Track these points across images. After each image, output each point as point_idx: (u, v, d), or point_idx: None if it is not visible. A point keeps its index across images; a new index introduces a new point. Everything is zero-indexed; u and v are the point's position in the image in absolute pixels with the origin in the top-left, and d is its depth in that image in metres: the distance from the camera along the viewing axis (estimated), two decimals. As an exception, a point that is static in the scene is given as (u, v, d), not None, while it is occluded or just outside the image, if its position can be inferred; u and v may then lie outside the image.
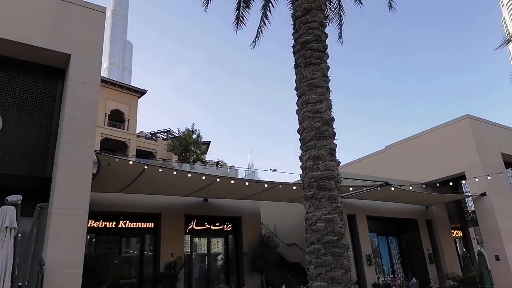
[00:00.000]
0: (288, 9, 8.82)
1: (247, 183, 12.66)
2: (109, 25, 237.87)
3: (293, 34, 7.84)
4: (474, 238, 21.81)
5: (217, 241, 16.42)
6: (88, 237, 12.79)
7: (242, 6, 10.97)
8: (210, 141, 37.87)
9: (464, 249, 18.94)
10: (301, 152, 7.17)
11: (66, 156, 8.51)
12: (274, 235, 16.90)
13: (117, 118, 31.57)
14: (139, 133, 34.51)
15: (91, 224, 12.52)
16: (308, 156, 6.88)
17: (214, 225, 15.76)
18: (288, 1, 9.05)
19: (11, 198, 4.94)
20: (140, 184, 11.67)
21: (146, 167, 10.64)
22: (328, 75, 7.48)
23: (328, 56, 7.56)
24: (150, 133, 37.91)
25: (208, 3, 10.67)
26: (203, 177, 11.63)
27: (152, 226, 14.28)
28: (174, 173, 11.43)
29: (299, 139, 7.24)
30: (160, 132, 38.48)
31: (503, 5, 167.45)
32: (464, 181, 18.91)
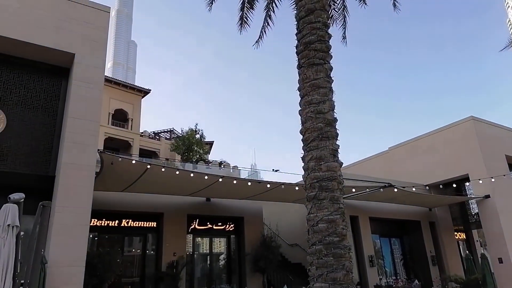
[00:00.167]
0: (292, 9, 8.81)
1: (249, 183, 12.66)
2: (113, 24, 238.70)
3: (296, 34, 7.84)
4: (477, 241, 21.69)
5: (219, 241, 16.42)
6: (91, 236, 12.84)
7: (246, 7, 10.98)
8: (213, 141, 37.92)
9: (467, 252, 18.84)
10: (303, 152, 7.17)
11: (70, 155, 8.54)
12: (276, 235, 16.88)
13: (120, 118, 31.67)
14: (142, 133, 34.59)
15: (94, 223, 12.56)
16: (311, 156, 6.87)
17: (216, 225, 15.77)
18: (292, 1, 9.05)
19: (14, 196, 4.97)
20: (143, 183, 11.70)
21: (149, 166, 10.67)
22: (332, 75, 7.48)
23: (331, 57, 7.55)
24: (154, 132, 37.99)
25: (212, 3, 10.68)
26: (206, 177, 11.64)
27: (155, 226, 14.31)
28: (177, 172, 11.44)
29: (302, 140, 7.24)
30: (163, 132, 38.55)
31: (509, 6, 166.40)
32: (467, 183, 18.82)
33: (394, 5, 10.94)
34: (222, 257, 16.32)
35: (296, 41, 7.80)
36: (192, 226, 15.07)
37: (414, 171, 19.87)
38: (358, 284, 15.64)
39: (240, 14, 11.10)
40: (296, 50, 7.76)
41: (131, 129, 31.76)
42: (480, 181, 16.49)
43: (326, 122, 6.97)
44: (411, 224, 19.39)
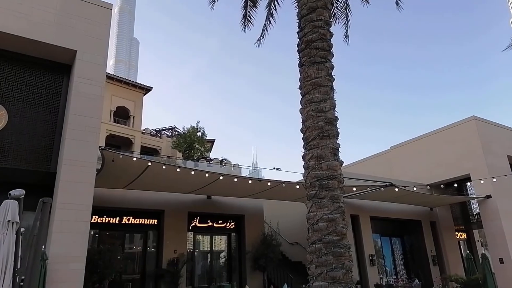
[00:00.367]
0: (294, 7, 8.79)
1: (250, 182, 12.67)
2: (116, 22, 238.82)
3: (298, 32, 7.82)
4: (478, 241, 21.69)
5: (220, 239, 16.45)
6: (92, 233, 12.88)
7: (249, 5, 10.94)
8: (214, 139, 37.96)
9: (468, 252, 18.79)
10: (304, 151, 7.16)
11: (71, 152, 8.56)
12: (277, 233, 16.90)
13: (122, 115, 31.70)
14: (144, 130, 34.62)
15: (94, 220, 12.59)
16: (311, 155, 6.86)
17: (217, 223, 15.79)
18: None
19: (14, 192, 4.98)
20: (144, 180, 11.72)
21: (150, 163, 10.67)
22: (333, 73, 7.46)
23: (333, 55, 7.53)
24: (155, 130, 38.03)
25: (214, 1, 10.65)
26: (207, 175, 11.65)
27: (155, 223, 14.34)
28: (178, 170, 11.44)
29: (302, 138, 7.23)
30: (165, 129, 38.59)
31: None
32: (469, 183, 18.78)
33: (397, 3, 10.90)
34: (222, 255, 16.35)
35: (298, 39, 7.78)
36: (193, 224, 15.10)
37: (415, 170, 19.84)
38: (359, 283, 15.65)
39: (243, 12, 11.06)
40: (297, 49, 7.74)
41: (132, 127, 31.80)
42: (482, 181, 16.45)
43: (327, 120, 6.95)
44: (412, 223, 19.37)
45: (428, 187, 17.28)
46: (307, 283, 6.66)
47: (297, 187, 12.78)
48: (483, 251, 19.59)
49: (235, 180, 12.43)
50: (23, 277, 5.19)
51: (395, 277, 18.17)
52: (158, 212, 14.25)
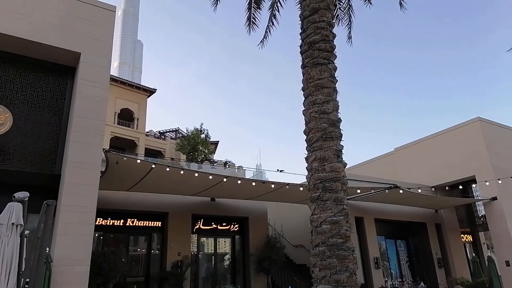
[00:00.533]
0: (297, 9, 8.78)
1: (254, 184, 12.65)
2: (120, 24, 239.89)
3: (300, 34, 7.80)
4: (484, 243, 21.48)
5: (224, 241, 16.43)
6: (96, 235, 12.91)
7: (253, 7, 10.95)
8: (218, 141, 37.95)
9: (473, 254, 18.62)
10: (307, 153, 7.13)
11: (75, 154, 8.59)
12: (281, 236, 16.85)
13: (126, 117, 31.79)
14: (148, 132, 34.70)
15: (99, 222, 12.62)
16: (314, 157, 6.83)
17: (221, 225, 15.78)
18: (296, 1, 9.02)
19: (18, 195, 5.00)
20: (148, 183, 11.74)
21: (153, 166, 10.70)
22: (336, 75, 7.43)
23: (335, 57, 7.51)
24: (159, 132, 38.10)
25: (217, 3, 10.67)
26: (210, 177, 11.65)
27: (160, 225, 14.34)
28: (182, 172, 11.46)
29: (305, 140, 7.20)
30: (169, 131, 38.64)
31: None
32: (474, 185, 18.65)
33: (401, 4, 10.86)
34: (226, 257, 16.33)
35: (300, 40, 7.77)
36: (197, 226, 15.09)
37: (420, 172, 19.73)
38: (363, 286, 15.55)
39: (248, 14, 11.05)
40: (300, 50, 7.72)
41: (136, 129, 31.88)
42: (487, 183, 16.33)
43: (330, 122, 6.92)
44: (417, 226, 19.25)
45: (433, 189, 17.20)
46: (311, 286, 6.61)
47: (301, 189, 12.74)
48: (489, 253, 19.41)
49: (239, 182, 12.42)
50: (27, 280, 5.21)
51: (400, 280, 18.05)
52: (162, 214, 14.26)
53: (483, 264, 17.16)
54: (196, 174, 11.61)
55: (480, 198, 17.89)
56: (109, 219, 13.34)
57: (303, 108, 7.43)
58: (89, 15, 9.83)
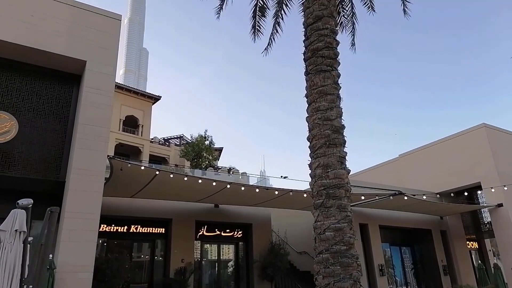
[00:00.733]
0: (300, 17, 8.83)
1: (257, 190, 12.64)
2: (125, 32, 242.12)
3: (304, 41, 7.84)
4: (490, 250, 21.27)
5: (227, 248, 16.39)
6: (100, 241, 12.93)
7: (257, 15, 11.02)
8: (222, 148, 38.04)
9: (479, 261, 18.46)
10: (310, 159, 7.13)
11: (80, 161, 8.63)
12: (285, 243, 16.78)
13: (131, 124, 31.98)
14: (152, 139, 34.84)
15: (103, 229, 12.65)
16: (318, 164, 6.83)
17: (225, 232, 15.75)
18: (300, 8, 9.08)
19: (22, 201, 5.02)
20: (152, 189, 11.77)
21: (157, 172, 10.73)
22: (340, 82, 7.45)
23: (339, 63, 7.53)
24: (164, 138, 38.25)
25: (220, 11, 10.76)
26: (214, 183, 11.66)
27: (163, 232, 14.34)
28: (185, 179, 11.49)
29: (309, 147, 7.20)
30: (173, 138, 38.78)
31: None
32: (480, 191, 18.51)
33: (404, 11, 10.89)
34: (230, 264, 16.27)
35: (304, 47, 7.81)
36: (200, 233, 15.07)
37: (424, 178, 19.62)
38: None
39: (252, 22, 11.12)
40: (303, 57, 7.76)
41: (141, 135, 32.04)
42: (493, 190, 16.21)
43: (334, 129, 6.92)
44: (422, 232, 19.11)
45: (438, 195, 17.09)
46: (315, 293, 6.57)
47: (305, 195, 12.72)
48: (495, 260, 19.22)
49: (242, 188, 12.42)
50: (31, 286, 5.23)
51: (405, 287, 17.89)
52: (166, 220, 14.27)
53: (489, 272, 16.96)
54: (200, 181, 11.63)
55: (485, 204, 17.75)
56: (113, 225, 13.36)
57: (307, 115, 7.44)
58: (95, 24, 9.93)
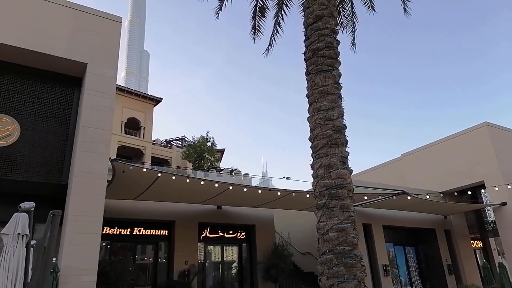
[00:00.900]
0: (301, 17, 8.82)
1: (260, 191, 12.62)
2: (126, 35, 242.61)
3: (304, 41, 7.82)
4: (494, 249, 21.14)
5: (231, 249, 16.36)
6: (103, 244, 12.93)
7: (257, 16, 11.03)
8: (224, 149, 37.99)
9: (484, 260, 18.36)
10: (312, 160, 7.10)
11: (82, 164, 8.64)
12: (288, 243, 16.74)
13: (133, 126, 32.02)
14: (154, 141, 34.88)
15: (106, 231, 12.64)
16: (320, 164, 6.80)
17: (228, 233, 15.73)
18: (300, 8, 9.06)
19: (24, 205, 5.02)
20: (154, 191, 11.76)
21: (159, 174, 10.72)
22: (340, 82, 7.42)
23: (340, 63, 7.50)
24: (165, 140, 38.27)
25: (219, 11, 10.76)
26: (216, 185, 11.65)
27: (166, 234, 14.34)
28: (187, 180, 11.48)
29: (311, 147, 7.17)
30: (175, 140, 38.80)
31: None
32: (483, 190, 18.42)
33: (405, 10, 10.86)
34: (234, 265, 16.25)
35: (304, 47, 7.78)
36: (204, 234, 15.05)
37: (427, 178, 19.54)
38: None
39: (252, 23, 11.13)
40: (304, 57, 7.74)
41: (143, 138, 32.07)
42: (496, 188, 16.14)
43: (335, 129, 6.89)
44: (426, 232, 19.03)
45: (441, 194, 17.01)
46: (319, 294, 6.53)
47: (307, 196, 12.68)
48: (500, 259, 19.10)
49: (245, 189, 12.40)
50: (34, 290, 5.22)
51: (410, 287, 17.82)
52: (169, 222, 14.26)
53: (494, 271, 16.86)
54: (202, 182, 11.62)
55: (489, 203, 17.66)
56: (116, 228, 13.36)
57: (308, 115, 7.41)
58: (96, 26, 9.95)
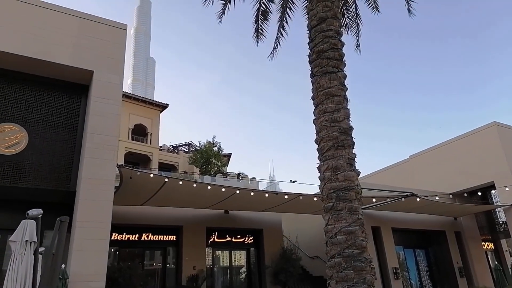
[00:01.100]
0: (305, 19, 8.82)
1: (267, 195, 12.58)
2: (132, 42, 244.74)
3: (308, 43, 7.81)
4: (506, 251, 20.81)
5: (239, 254, 16.31)
6: (112, 250, 12.97)
7: (260, 19, 11.07)
8: (231, 153, 38.01)
9: (496, 262, 18.08)
10: (319, 162, 7.05)
11: (89, 170, 8.68)
12: (297, 247, 16.64)
13: (140, 132, 32.19)
14: (161, 147, 35.01)
15: (114, 237, 12.68)
16: (327, 166, 6.75)
17: (236, 238, 15.68)
18: (304, 11, 9.07)
19: (32, 212, 5.04)
20: (161, 197, 11.78)
21: (166, 179, 10.75)
22: (346, 83, 7.39)
23: (345, 65, 7.47)
24: (172, 146, 38.39)
25: (222, 16, 10.81)
26: (223, 189, 11.64)
27: (174, 239, 14.34)
28: (194, 185, 11.49)
29: (317, 149, 7.12)
30: (181, 145, 38.91)
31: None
32: (493, 191, 18.18)
33: (409, 10, 10.82)
34: (242, 270, 16.18)
35: (309, 50, 7.77)
36: (211, 239, 15.03)
37: (436, 179, 19.34)
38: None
39: (255, 26, 11.18)
40: (308, 59, 7.72)
41: (150, 144, 32.20)
42: (507, 188, 15.92)
43: (342, 130, 6.84)
44: (436, 234, 18.80)
45: (451, 196, 16.83)
46: (329, 299, 6.46)
47: (315, 199, 12.62)
48: (512, 261, 18.81)
49: (252, 194, 12.37)
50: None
51: (420, 290, 17.58)
52: (176, 228, 14.26)
53: (507, 272, 16.60)
54: (209, 187, 11.62)
55: (500, 204, 17.42)
56: (124, 234, 13.40)
57: (314, 117, 7.38)
58: (102, 34, 10.04)
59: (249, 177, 32.50)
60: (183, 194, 12.08)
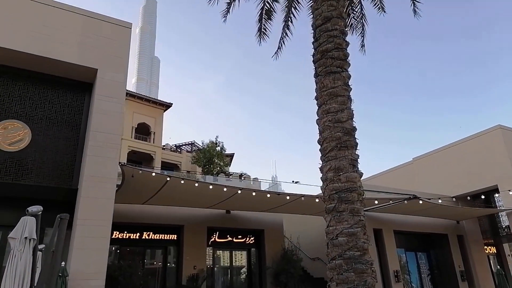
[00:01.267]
0: (310, 19, 8.78)
1: (268, 195, 12.55)
2: (137, 41, 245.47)
3: (313, 43, 7.77)
4: (509, 255, 20.67)
5: (240, 254, 16.27)
6: (113, 248, 12.96)
7: (264, 18, 11.04)
8: (233, 153, 37.99)
9: (498, 266, 17.96)
10: (321, 162, 7.01)
11: (92, 168, 8.68)
12: (298, 248, 16.59)
13: (143, 131, 32.24)
14: (164, 146, 35.03)
15: (115, 236, 12.67)
16: (329, 167, 6.70)
17: (237, 238, 15.65)
18: (309, 11, 9.03)
19: (32, 209, 5.03)
20: (163, 196, 11.77)
21: (168, 178, 10.74)
22: (350, 84, 7.34)
23: (349, 65, 7.43)
24: (175, 145, 38.42)
25: (227, 14, 10.80)
26: (225, 189, 11.62)
27: (175, 238, 14.32)
28: (196, 185, 11.47)
29: (320, 150, 7.08)
30: (184, 145, 38.93)
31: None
32: (497, 194, 18.07)
33: (415, 11, 10.76)
34: (242, 270, 16.14)
35: (313, 49, 7.73)
36: (212, 239, 15.00)
37: (440, 182, 19.25)
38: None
39: (259, 25, 11.15)
40: (312, 59, 7.69)
41: (153, 142, 32.25)
42: (510, 192, 15.80)
43: (345, 131, 6.80)
44: (438, 237, 18.70)
45: (454, 199, 16.71)
46: (329, 300, 6.42)
47: (317, 200, 12.57)
48: (515, 266, 18.69)
49: (253, 194, 12.33)
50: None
51: (422, 293, 17.49)
52: (177, 227, 14.25)
53: (509, 277, 16.49)
54: (211, 187, 11.60)
55: (503, 208, 17.31)
56: (125, 232, 13.39)
57: (317, 117, 7.34)
58: (106, 32, 10.04)
59: (251, 177, 32.50)
60: (185, 194, 12.07)
